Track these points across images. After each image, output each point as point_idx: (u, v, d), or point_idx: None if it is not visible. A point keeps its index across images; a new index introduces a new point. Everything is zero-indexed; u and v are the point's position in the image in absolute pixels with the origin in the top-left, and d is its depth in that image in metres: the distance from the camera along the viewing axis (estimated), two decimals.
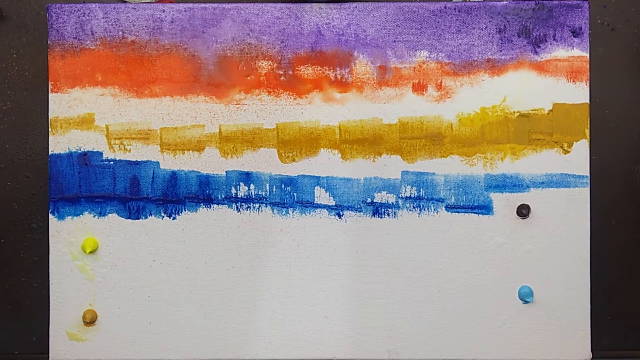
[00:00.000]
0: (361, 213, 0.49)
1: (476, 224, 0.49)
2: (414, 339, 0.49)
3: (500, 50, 0.49)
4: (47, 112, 0.49)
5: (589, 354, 0.48)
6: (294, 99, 0.49)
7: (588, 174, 0.48)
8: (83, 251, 0.48)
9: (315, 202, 0.49)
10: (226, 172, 0.49)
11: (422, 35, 0.49)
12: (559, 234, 0.48)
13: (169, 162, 0.49)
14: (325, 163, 0.49)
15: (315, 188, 0.49)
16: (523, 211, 0.48)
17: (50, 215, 0.48)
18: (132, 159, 0.49)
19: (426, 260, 0.49)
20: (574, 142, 0.49)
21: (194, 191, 0.49)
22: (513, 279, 0.49)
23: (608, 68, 0.51)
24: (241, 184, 0.49)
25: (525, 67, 0.48)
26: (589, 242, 0.48)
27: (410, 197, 0.49)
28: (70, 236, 0.48)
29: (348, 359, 0.49)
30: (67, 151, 0.48)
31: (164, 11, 0.48)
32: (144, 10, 0.48)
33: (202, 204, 0.49)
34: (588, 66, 0.48)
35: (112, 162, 0.49)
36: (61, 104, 0.48)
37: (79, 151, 0.48)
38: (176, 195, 0.49)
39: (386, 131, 0.49)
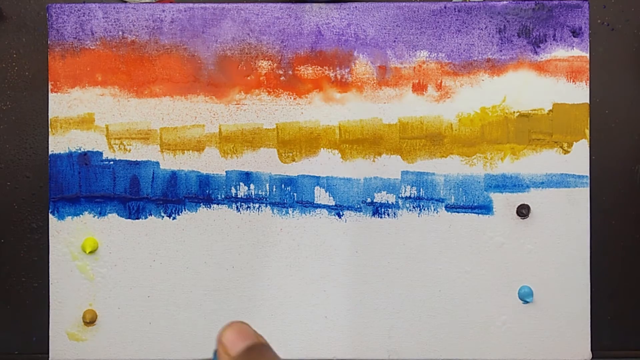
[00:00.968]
0: (361, 213, 0.49)
1: (476, 224, 0.49)
2: (414, 339, 0.49)
3: (500, 50, 0.49)
4: (47, 112, 0.49)
5: (589, 354, 0.48)
6: (294, 99, 0.49)
7: (588, 174, 0.48)
8: (83, 251, 0.48)
9: (315, 202, 0.49)
10: (226, 172, 0.49)
11: (422, 35, 0.49)
12: (559, 234, 0.48)
13: (169, 162, 0.49)
14: (325, 163, 0.49)
15: (315, 188, 0.49)
16: (523, 211, 0.48)
17: (50, 215, 0.48)
18: (132, 159, 0.49)
19: (426, 260, 0.49)
20: (574, 142, 0.49)
21: (194, 191, 0.49)
22: (513, 279, 0.49)
23: (608, 68, 0.51)
24: (241, 184, 0.49)
25: (525, 67, 0.48)
26: (589, 242, 0.48)
27: (410, 197, 0.49)
28: (70, 236, 0.48)
29: (348, 359, 0.49)
30: (67, 151, 0.48)
31: (164, 11, 0.48)
32: (144, 10, 0.48)
33: (202, 204, 0.49)
34: (588, 66, 0.48)
35: (112, 162, 0.49)
36: (61, 104, 0.48)
37: (79, 151, 0.48)
38: (176, 195, 0.49)
39: (386, 131, 0.49)
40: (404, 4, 0.49)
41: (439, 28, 0.49)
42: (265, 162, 0.49)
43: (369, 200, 0.49)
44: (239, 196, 0.49)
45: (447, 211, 0.49)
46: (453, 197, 0.49)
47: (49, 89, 0.48)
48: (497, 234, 0.49)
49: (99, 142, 0.49)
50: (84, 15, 0.48)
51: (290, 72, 0.49)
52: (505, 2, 0.48)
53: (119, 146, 0.49)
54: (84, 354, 0.48)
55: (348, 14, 0.49)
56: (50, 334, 0.48)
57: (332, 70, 0.49)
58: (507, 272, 0.49)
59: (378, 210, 0.49)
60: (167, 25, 0.48)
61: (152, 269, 0.49)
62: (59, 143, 0.48)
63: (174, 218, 0.49)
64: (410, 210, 0.49)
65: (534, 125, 0.49)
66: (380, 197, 0.49)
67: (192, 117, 0.49)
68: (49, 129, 0.48)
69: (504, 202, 0.49)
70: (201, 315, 0.49)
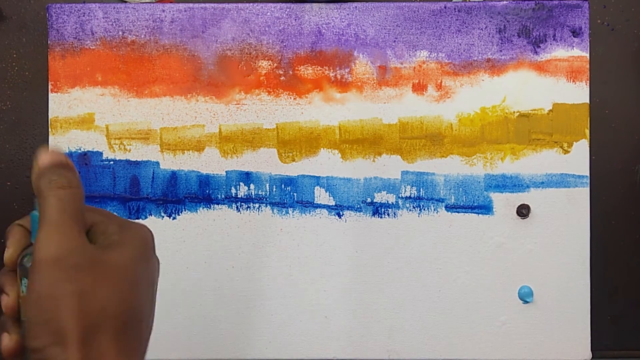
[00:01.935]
0: (361, 213, 0.49)
1: (476, 224, 0.49)
2: (414, 339, 0.49)
3: (500, 50, 0.49)
4: (47, 112, 0.49)
5: (589, 354, 0.48)
6: (294, 98, 0.49)
7: (588, 174, 0.48)
8: None
9: (315, 202, 0.49)
10: (226, 172, 0.49)
11: (422, 35, 0.49)
12: (559, 234, 0.48)
13: (169, 162, 0.49)
14: (325, 163, 0.49)
15: (315, 188, 0.49)
16: (523, 211, 0.48)
17: None
18: (132, 159, 0.49)
19: (426, 260, 0.49)
20: (574, 142, 0.49)
21: (194, 191, 0.49)
22: (513, 279, 0.48)
23: (608, 68, 0.51)
24: (241, 184, 0.49)
25: (525, 67, 0.48)
26: (589, 242, 0.48)
27: (410, 197, 0.49)
28: None
29: (348, 359, 0.49)
30: (67, 151, 0.48)
31: (164, 11, 0.48)
32: (144, 10, 0.48)
33: (202, 204, 0.49)
34: (588, 66, 0.48)
35: (112, 162, 0.49)
36: (61, 104, 0.48)
37: (79, 151, 0.48)
38: (176, 195, 0.49)
39: (386, 131, 0.49)
40: (404, 4, 0.49)
41: (439, 28, 0.49)
42: (265, 162, 0.49)
43: (369, 200, 0.49)
44: (239, 196, 0.49)
45: (447, 211, 0.49)
46: (453, 197, 0.49)
47: (49, 89, 0.48)
48: (497, 234, 0.49)
49: (99, 142, 0.49)
50: (84, 15, 0.48)
51: (290, 72, 0.49)
52: (505, 2, 0.48)
53: (119, 146, 0.49)
54: None
55: (348, 14, 0.49)
56: None
57: (332, 70, 0.49)
58: (507, 272, 0.49)
59: (378, 210, 0.49)
60: (167, 25, 0.48)
61: None
62: (59, 143, 0.48)
63: (174, 218, 0.49)
64: (410, 210, 0.49)
65: (534, 125, 0.48)
66: (380, 197, 0.49)
67: (192, 117, 0.49)
68: (49, 129, 0.48)
69: (504, 202, 0.49)
70: (201, 315, 0.49)
